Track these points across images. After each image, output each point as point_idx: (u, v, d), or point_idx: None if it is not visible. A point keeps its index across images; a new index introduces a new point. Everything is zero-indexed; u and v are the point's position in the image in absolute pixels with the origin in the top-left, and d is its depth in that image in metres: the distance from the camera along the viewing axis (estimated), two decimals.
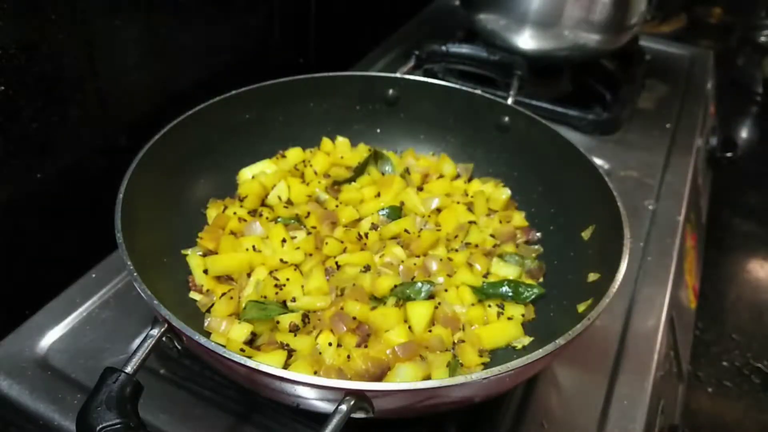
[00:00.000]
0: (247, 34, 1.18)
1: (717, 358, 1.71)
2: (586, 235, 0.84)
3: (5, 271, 0.86)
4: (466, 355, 0.74)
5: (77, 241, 0.94)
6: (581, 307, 0.74)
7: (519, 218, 0.95)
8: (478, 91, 1.00)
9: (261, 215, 0.89)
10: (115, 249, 0.91)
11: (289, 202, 0.93)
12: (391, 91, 1.03)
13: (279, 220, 0.89)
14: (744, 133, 2.58)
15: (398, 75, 1.03)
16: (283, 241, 0.84)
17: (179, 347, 0.61)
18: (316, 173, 0.97)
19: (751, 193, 2.29)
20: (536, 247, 0.92)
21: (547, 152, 0.93)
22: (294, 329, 0.73)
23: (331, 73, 1.00)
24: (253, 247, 0.83)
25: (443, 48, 1.08)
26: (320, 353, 0.72)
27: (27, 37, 0.77)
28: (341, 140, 1.03)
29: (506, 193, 0.97)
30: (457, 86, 1.02)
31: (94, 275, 0.87)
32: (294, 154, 0.99)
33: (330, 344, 0.73)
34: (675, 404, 1.08)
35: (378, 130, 1.06)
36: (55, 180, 0.88)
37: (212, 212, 0.89)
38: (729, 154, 1.56)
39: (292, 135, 1.01)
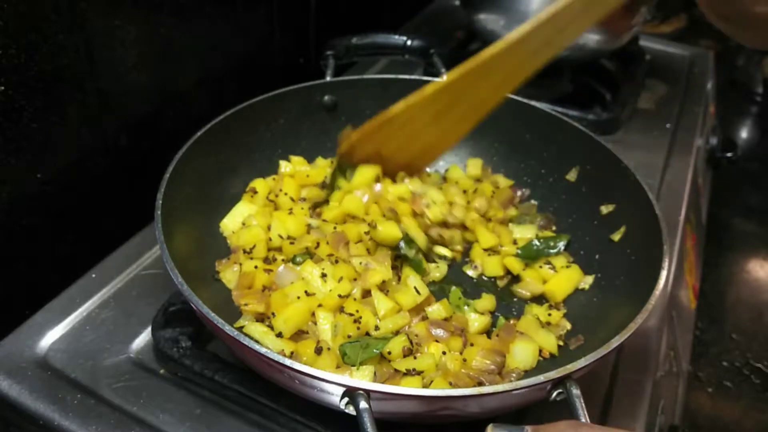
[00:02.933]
0: (247, 34, 1.18)
1: (717, 358, 1.71)
2: (572, 177, 0.92)
3: (5, 271, 0.86)
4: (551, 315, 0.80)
5: (77, 241, 0.94)
6: (616, 236, 0.84)
7: (503, 180, 0.99)
8: (414, 76, 1.02)
9: (275, 260, 0.83)
10: (114, 249, 0.91)
11: (289, 238, 0.86)
12: (326, 97, 1.00)
13: (297, 259, 0.82)
14: (744, 133, 2.59)
15: (329, 79, 1.00)
16: (323, 275, 0.79)
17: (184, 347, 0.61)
18: (293, 200, 0.91)
19: (751, 193, 2.30)
20: (532, 202, 0.97)
21: (497, 112, 0.96)
22: (408, 353, 0.72)
23: (262, 96, 0.93)
24: (305, 292, 0.77)
25: (353, 41, 1.08)
26: (437, 364, 0.72)
27: (27, 37, 0.77)
28: (296, 159, 0.98)
29: (476, 163, 1.00)
30: (392, 76, 1.02)
31: (94, 275, 0.87)
32: (260, 185, 0.92)
33: (444, 353, 0.72)
34: (675, 404, 1.08)
35: (326, 140, 1.02)
36: (55, 180, 0.88)
37: (228, 275, 0.81)
38: (729, 154, 1.56)
39: (245, 168, 0.94)
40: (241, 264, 0.81)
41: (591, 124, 1.28)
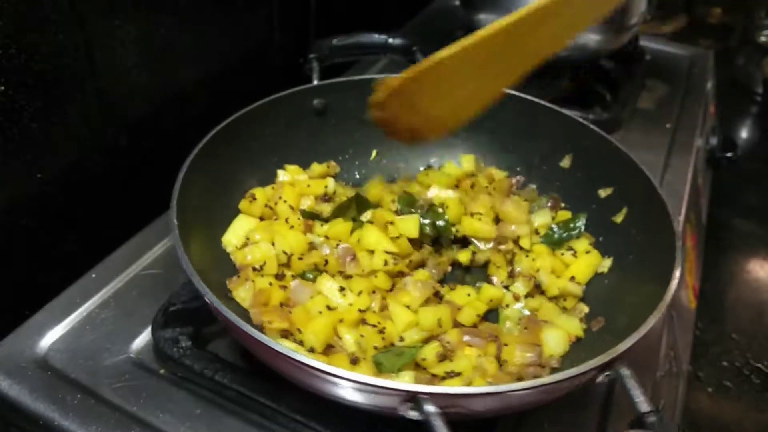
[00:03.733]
0: (247, 34, 1.18)
1: (717, 358, 1.71)
2: (565, 164, 0.93)
3: (5, 271, 0.86)
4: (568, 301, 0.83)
5: (77, 241, 0.95)
6: (618, 218, 0.86)
7: (497, 172, 1.00)
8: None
9: (284, 276, 0.82)
10: (114, 249, 0.91)
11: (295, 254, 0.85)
12: (316, 101, 0.98)
13: (308, 275, 0.82)
14: (744, 133, 2.58)
15: (316, 83, 0.99)
16: (341, 289, 0.79)
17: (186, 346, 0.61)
18: (292, 208, 0.90)
19: (751, 193, 2.29)
20: (531, 186, 0.98)
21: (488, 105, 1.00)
22: (442, 358, 0.72)
23: (250, 107, 0.90)
24: (327, 306, 0.77)
25: (334, 42, 1.08)
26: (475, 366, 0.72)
27: (27, 37, 0.77)
28: (292, 168, 0.97)
29: (469, 159, 1.02)
30: (381, 75, 1.00)
31: (94, 275, 0.87)
32: (259, 193, 0.91)
33: (480, 356, 0.73)
34: (675, 404, 1.08)
35: (319, 144, 1.01)
36: (55, 180, 0.88)
37: (242, 294, 0.79)
38: (729, 154, 1.56)
39: (242, 179, 0.92)
40: (253, 281, 0.79)
41: (591, 124, 1.28)
